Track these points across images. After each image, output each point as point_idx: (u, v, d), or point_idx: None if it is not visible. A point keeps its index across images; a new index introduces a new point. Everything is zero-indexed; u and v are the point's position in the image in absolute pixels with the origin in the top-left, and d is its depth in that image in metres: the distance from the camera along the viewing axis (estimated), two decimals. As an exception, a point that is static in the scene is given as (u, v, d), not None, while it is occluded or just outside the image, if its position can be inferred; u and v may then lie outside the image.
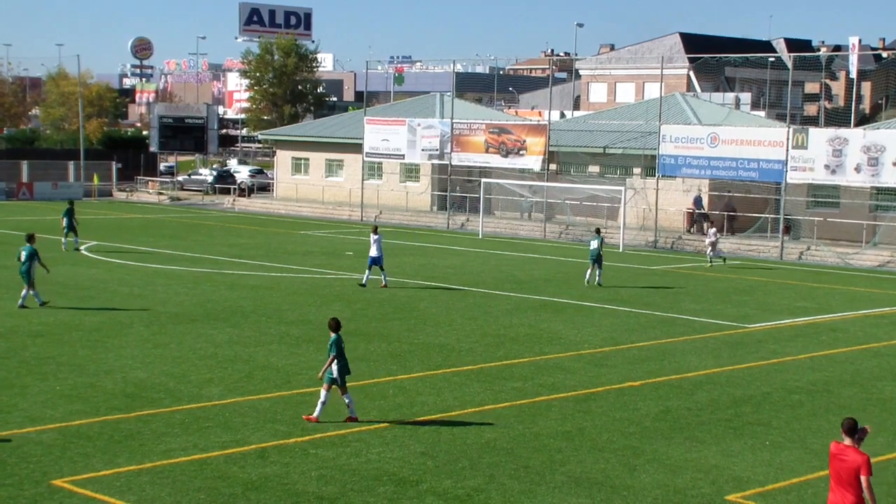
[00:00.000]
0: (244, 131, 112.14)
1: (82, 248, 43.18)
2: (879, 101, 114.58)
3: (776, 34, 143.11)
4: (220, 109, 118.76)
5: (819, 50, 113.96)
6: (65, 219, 42.84)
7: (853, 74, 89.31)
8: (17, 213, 60.18)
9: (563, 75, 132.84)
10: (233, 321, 27.73)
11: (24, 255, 29.24)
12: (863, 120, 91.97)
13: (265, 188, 78.23)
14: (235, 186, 76.60)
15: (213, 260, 41.11)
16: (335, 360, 18.03)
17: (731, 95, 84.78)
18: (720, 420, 19.36)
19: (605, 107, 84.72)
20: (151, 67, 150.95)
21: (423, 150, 60.97)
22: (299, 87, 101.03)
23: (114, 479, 15.20)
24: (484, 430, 18.13)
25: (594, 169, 58.76)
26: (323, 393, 18.21)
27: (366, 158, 64.28)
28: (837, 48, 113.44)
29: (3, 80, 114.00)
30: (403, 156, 62.35)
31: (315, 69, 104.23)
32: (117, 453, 16.35)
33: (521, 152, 57.66)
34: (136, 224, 56.75)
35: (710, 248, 44.13)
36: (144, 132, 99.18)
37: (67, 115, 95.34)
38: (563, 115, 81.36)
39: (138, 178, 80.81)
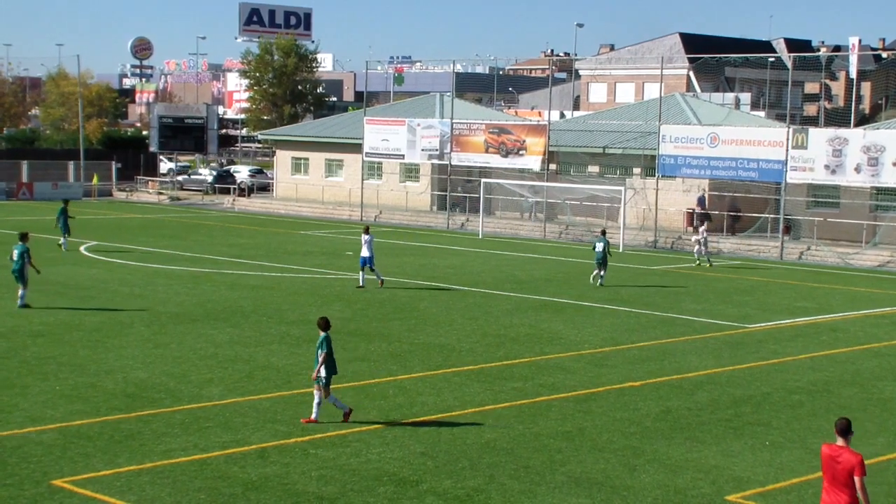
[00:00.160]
0: (244, 131, 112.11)
1: (81, 247, 43.19)
2: (879, 102, 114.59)
3: (776, 34, 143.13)
4: (220, 109, 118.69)
5: (819, 50, 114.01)
6: (59, 219, 42.82)
7: (853, 74, 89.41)
8: (16, 213, 60.16)
9: (563, 75, 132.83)
10: (233, 321, 27.74)
11: (16, 254, 28.99)
12: (863, 120, 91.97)
13: (265, 188, 78.26)
14: (235, 186, 76.64)
15: (213, 260, 41.12)
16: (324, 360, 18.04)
17: (730, 95, 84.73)
18: (720, 420, 19.36)
19: (604, 107, 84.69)
20: (151, 67, 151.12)
21: (422, 150, 60.96)
22: (299, 88, 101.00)
23: (114, 479, 15.19)
24: (484, 430, 18.12)
25: (594, 169, 58.77)
26: (316, 394, 18.24)
27: (366, 158, 64.28)
28: (837, 48, 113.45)
29: (3, 80, 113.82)
30: (403, 156, 62.34)
31: (315, 69, 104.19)
32: (118, 453, 16.35)
33: (520, 152, 57.66)
34: (135, 224, 56.75)
35: (697, 246, 43.95)
36: (144, 132, 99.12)
37: (67, 115, 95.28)
38: (562, 116, 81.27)
39: (138, 177, 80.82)
